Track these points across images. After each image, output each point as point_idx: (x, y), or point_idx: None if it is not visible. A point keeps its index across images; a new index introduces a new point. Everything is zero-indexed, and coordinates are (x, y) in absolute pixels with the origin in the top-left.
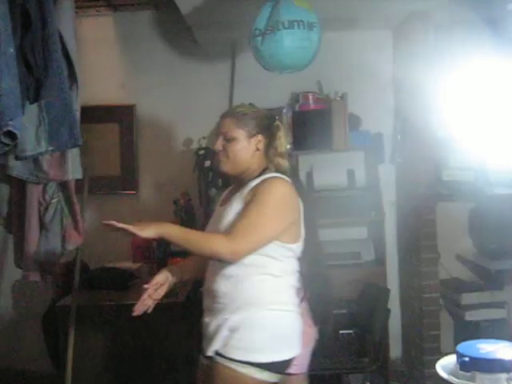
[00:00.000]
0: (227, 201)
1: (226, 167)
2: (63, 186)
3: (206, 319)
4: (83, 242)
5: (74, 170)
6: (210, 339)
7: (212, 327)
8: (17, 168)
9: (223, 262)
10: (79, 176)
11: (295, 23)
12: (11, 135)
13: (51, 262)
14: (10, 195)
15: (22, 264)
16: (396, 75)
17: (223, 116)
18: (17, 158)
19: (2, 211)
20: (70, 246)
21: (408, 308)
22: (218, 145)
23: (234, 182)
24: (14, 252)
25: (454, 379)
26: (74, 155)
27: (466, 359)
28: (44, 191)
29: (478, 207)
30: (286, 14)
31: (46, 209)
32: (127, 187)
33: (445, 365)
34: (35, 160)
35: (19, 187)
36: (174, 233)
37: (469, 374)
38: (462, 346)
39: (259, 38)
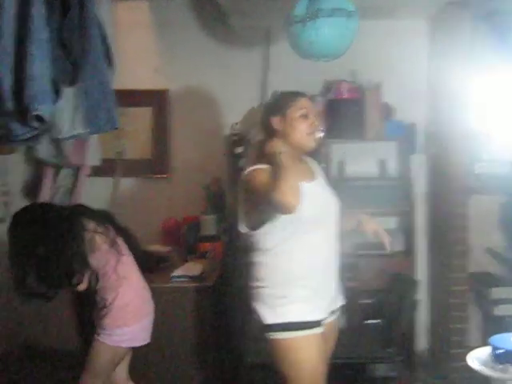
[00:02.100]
0: (310, 176)
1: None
2: (77, 172)
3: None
4: None
5: (92, 156)
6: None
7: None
8: (41, 151)
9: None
10: (97, 163)
11: (336, 11)
12: (40, 119)
13: None
14: (33, 178)
15: None
16: (431, 65)
17: (305, 96)
18: (52, 139)
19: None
20: None
21: (436, 300)
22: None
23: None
24: None
25: (486, 371)
26: (94, 142)
27: (501, 351)
28: (55, 176)
29: (510, 201)
30: (328, 1)
31: (57, 193)
32: (159, 171)
33: (477, 356)
34: (57, 144)
35: (38, 170)
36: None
37: (501, 366)
38: (496, 339)
39: (299, 25)
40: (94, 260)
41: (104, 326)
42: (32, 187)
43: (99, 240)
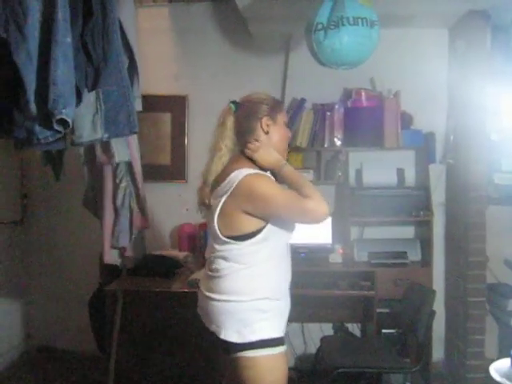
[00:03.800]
0: None
1: None
2: (130, 170)
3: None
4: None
5: (120, 153)
6: None
7: None
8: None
9: (308, 218)
10: (127, 159)
11: (359, 20)
12: (64, 123)
13: (123, 246)
14: (93, 182)
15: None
16: (451, 75)
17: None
18: (73, 143)
19: (89, 198)
20: (136, 231)
21: (453, 311)
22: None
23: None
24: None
25: (508, 382)
26: (117, 140)
27: None
28: (115, 175)
29: None
30: (351, 10)
31: (117, 193)
32: (177, 176)
33: (498, 368)
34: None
35: (99, 172)
36: (292, 169)
37: None
38: None
39: (321, 32)
40: None
41: None
42: (93, 193)
43: None
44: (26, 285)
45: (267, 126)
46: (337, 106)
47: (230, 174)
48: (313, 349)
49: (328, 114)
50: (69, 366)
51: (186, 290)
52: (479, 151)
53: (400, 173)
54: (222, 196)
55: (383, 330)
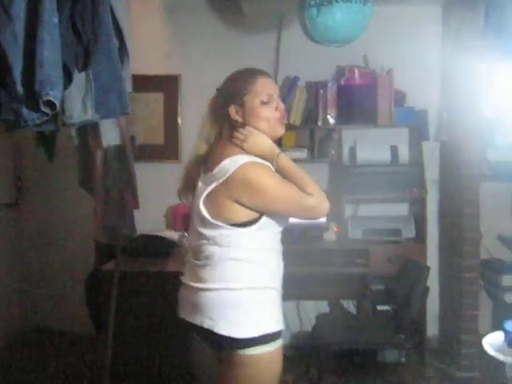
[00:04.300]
0: None
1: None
2: (121, 152)
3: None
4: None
5: (109, 137)
6: None
7: None
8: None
9: (307, 215)
10: (117, 142)
11: None
12: (51, 105)
13: (115, 227)
14: (86, 161)
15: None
16: (444, 52)
17: (263, 75)
18: (64, 124)
19: (83, 177)
20: (127, 210)
21: (447, 287)
22: (282, 106)
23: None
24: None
25: (501, 356)
26: (106, 123)
27: None
28: (105, 158)
29: None
30: None
31: (108, 174)
32: (170, 156)
33: (492, 342)
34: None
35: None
36: (288, 159)
37: None
38: (510, 324)
39: (314, 9)
40: None
41: None
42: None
43: None
44: (22, 266)
45: (236, 113)
46: (330, 84)
47: (221, 162)
48: (308, 326)
49: (321, 91)
50: (65, 347)
51: (180, 270)
52: (472, 128)
53: (394, 150)
54: (212, 182)
55: (378, 307)
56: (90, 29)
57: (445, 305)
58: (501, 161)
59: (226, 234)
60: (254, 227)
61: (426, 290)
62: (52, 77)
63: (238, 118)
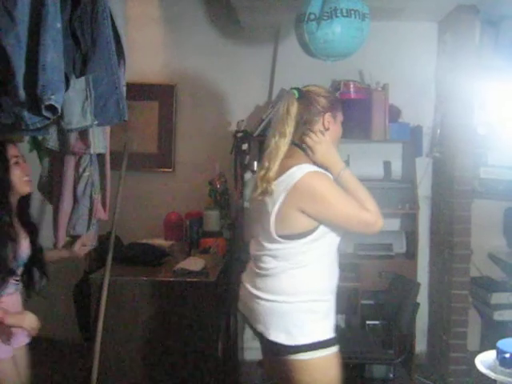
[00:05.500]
0: None
1: None
2: (99, 160)
3: None
4: (109, 218)
5: (97, 144)
6: None
7: None
8: (51, 140)
9: (362, 230)
10: (103, 151)
11: (352, 12)
12: (52, 109)
13: (79, 235)
14: (51, 167)
15: (54, 234)
16: (439, 68)
17: None
18: (63, 130)
19: (44, 183)
20: (95, 221)
21: (436, 303)
22: None
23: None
24: (53, 223)
25: (493, 374)
26: (96, 130)
27: (507, 355)
28: (78, 164)
29: None
30: (344, 1)
31: (79, 182)
32: (164, 165)
33: (484, 360)
34: (62, 133)
35: (59, 159)
36: (352, 174)
37: (508, 370)
38: (503, 343)
39: (314, 23)
40: None
41: None
42: (49, 178)
43: None
44: None
45: (328, 122)
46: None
47: (289, 169)
48: None
49: None
50: (53, 355)
51: (172, 279)
52: (465, 145)
53: (387, 165)
54: (280, 192)
55: (367, 322)
56: (88, 34)
57: (434, 321)
58: (493, 178)
59: (283, 248)
60: (311, 237)
61: (416, 306)
62: (54, 81)
63: (327, 127)
